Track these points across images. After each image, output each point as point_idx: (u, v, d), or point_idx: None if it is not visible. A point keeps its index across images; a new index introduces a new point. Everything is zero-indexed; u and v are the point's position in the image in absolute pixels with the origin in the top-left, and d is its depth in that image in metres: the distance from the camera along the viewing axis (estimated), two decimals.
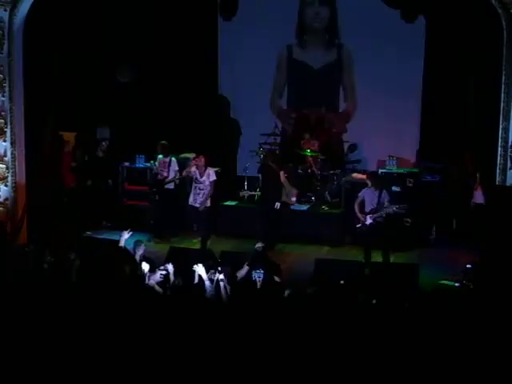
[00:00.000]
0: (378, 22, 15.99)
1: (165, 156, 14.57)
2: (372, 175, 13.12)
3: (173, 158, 14.60)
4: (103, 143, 15.82)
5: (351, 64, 16.74)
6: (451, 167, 14.96)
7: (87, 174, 15.47)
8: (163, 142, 14.63)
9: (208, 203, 13.48)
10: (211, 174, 13.45)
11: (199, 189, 13.43)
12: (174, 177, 14.53)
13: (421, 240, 14.23)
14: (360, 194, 12.66)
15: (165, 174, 14.53)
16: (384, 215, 12.32)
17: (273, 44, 16.92)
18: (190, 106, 16.91)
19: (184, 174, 14.16)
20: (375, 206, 12.33)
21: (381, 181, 12.92)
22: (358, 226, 12.55)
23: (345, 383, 7.57)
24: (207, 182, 13.40)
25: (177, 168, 14.57)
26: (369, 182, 12.65)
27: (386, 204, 12.33)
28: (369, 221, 12.33)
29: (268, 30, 16.73)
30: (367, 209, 12.43)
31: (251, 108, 17.05)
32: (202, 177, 13.41)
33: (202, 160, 13.44)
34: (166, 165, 14.52)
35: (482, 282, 10.83)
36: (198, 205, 13.40)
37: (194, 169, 13.51)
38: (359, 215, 12.47)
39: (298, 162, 15.69)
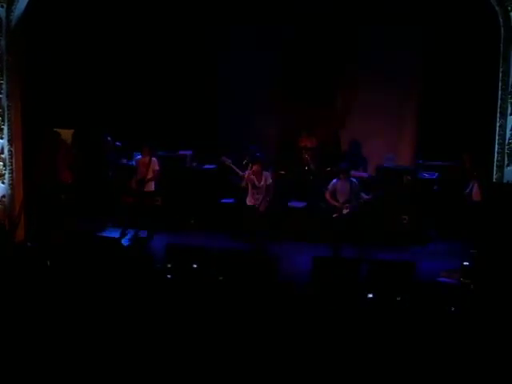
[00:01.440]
0: (378, 20, 16.01)
1: (144, 156, 14.29)
2: (342, 167, 13.37)
3: (153, 158, 14.29)
4: (109, 138, 15.83)
5: (350, 60, 16.70)
6: (449, 164, 14.98)
7: (86, 170, 15.48)
8: (147, 144, 14.37)
9: (265, 208, 13.44)
10: (268, 177, 13.53)
11: (257, 193, 13.46)
12: (153, 176, 14.21)
13: (418, 237, 14.25)
14: (330, 186, 13.05)
15: (143, 174, 14.16)
16: (359, 204, 12.69)
17: (271, 40, 16.90)
18: (188, 102, 16.91)
19: (244, 185, 13.86)
20: (348, 195, 12.71)
21: (348, 171, 13.18)
22: (334, 215, 12.85)
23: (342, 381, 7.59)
24: (265, 186, 13.46)
25: (157, 168, 14.27)
26: (341, 175, 13.07)
27: (360, 192, 12.73)
28: (345, 211, 12.70)
29: (266, 27, 16.73)
30: (341, 199, 12.83)
31: (249, 105, 17.06)
32: (260, 182, 13.45)
33: (258, 167, 13.44)
34: (146, 164, 14.19)
35: (479, 279, 10.85)
36: (259, 206, 13.43)
37: (249, 177, 13.52)
38: (336, 204, 12.84)
39: (296, 159, 15.69)
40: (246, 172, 13.70)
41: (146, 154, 14.26)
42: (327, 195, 13.15)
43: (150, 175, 14.18)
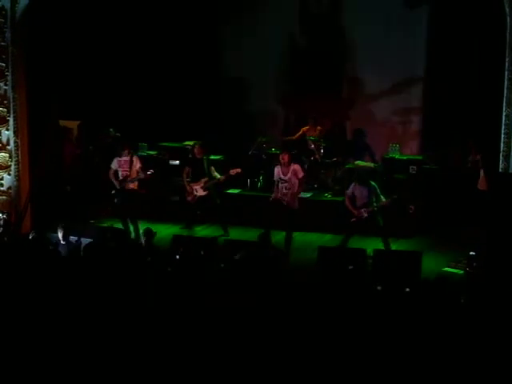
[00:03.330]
0: (381, 8, 15.95)
1: (124, 155, 13.85)
2: (357, 175, 13.12)
3: (134, 156, 13.99)
4: (110, 129, 15.81)
5: (354, 50, 16.67)
6: (454, 154, 14.95)
7: (93, 162, 15.47)
8: (127, 144, 14.06)
9: (296, 204, 12.87)
10: (298, 171, 12.84)
11: (286, 188, 12.74)
12: (138, 175, 13.82)
13: (424, 227, 14.24)
14: (349, 191, 12.76)
15: (126, 174, 13.78)
16: (377, 208, 12.47)
17: (275, 31, 16.86)
18: (193, 93, 16.90)
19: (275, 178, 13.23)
20: (366, 200, 12.48)
21: (366, 178, 12.88)
22: (352, 220, 12.62)
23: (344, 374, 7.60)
24: (294, 180, 12.78)
25: (140, 165, 13.90)
26: (356, 180, 12.75)
27: (380, 195, 12.50)
28: (364, 215, 12.47)
29: (270, 17, 16.69)
30: (359, 203, 12.55)
31: (254, 95, 17.04)
32: (286, 175, 12.76)
33: (286, 157, 12.82)
34: (128, 163, 13.78)
35: (485, 269, 10.84)
36: (287, 202, 12.78)
37: (276, 169, 12.92)
38: (353, 211, 12.55)
39: (301, 150, 15.67)
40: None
41: (126, 154, 13.90)
42: (346, 200, 12.75)
43: (133, 174, 13.81)
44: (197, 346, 7.97)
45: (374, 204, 12.49)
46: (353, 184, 12.76)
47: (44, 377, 7.67)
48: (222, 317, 8.47)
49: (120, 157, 13.89)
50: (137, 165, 13.89)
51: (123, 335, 8.16)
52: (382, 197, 12.56)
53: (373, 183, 12.65)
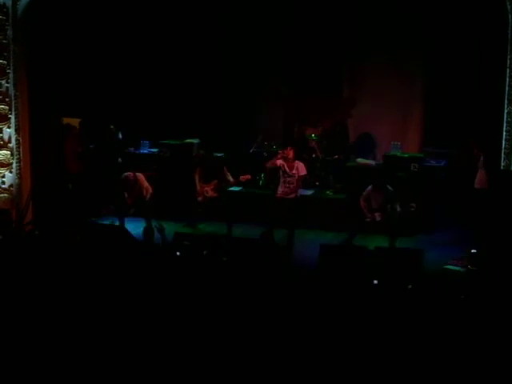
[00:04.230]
0: (381, 6, 15.94)
1: (128, 175, 13.89)
2: (375, 180, 13.16)
3: (137, 174, 13.95)
4: (111, 127, 15.84)
5: (354, 49, 16.64)
6: (456, 152, 14.95)
7: (95, 160, 15.49)
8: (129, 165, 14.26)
9: (298, 193, 13.19)
10: (301, 168, 13.03)
11: (289, 182, 12.98)
12: (149, 192, 13.92)
13: (425, 225, 14.25)
14: (365, 193, 12.85)
15: (135, 194, 13.87)
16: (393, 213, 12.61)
17: (276, 30, 16.83)
18: (194, 90, 16.90)
19: (268, 165, 13.73)
20: (381, 204, 12.58)
21: (383, 183, 12.95)
22: (367, 220, 12.72)
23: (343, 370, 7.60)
24: (297, 176, 13.00)
25: (146, 183, 13.95)
26: (373, 185, 12.85)
27: (396, 203, 12.62)
28: (377, 219, 12.59)
29: (271, 16, 16.67)
30: (374, 206, 12.66)
31: (254, 93, 17.04)
32: (291, 170, 12.95)
33: (291, 152, 12.97)
34: (133, 185, 13.83)
35: (486, 266, 10.85)
36: (290, 196, 13.03)
37: (280, 162, 13.03)
38: (367, 214, 12.68)
39: (302, 148, 15.66)
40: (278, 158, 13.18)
41: (131, 175, 13.89)
42: (361, 202, 12.90)
43: (145, 194, 13.86)
44: (197, 343, 7.98)
45: (389, 208, 12.62)
46: (370, 187, 12.83)
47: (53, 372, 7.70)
48: (222, 314, 8.49)
49: (124, 177, 13.89)
50: (144, 183, 13.91)
51: (123, 334, 8.17)
52: (397, 204, 12.68)
53: (390, 188, 12.74)
